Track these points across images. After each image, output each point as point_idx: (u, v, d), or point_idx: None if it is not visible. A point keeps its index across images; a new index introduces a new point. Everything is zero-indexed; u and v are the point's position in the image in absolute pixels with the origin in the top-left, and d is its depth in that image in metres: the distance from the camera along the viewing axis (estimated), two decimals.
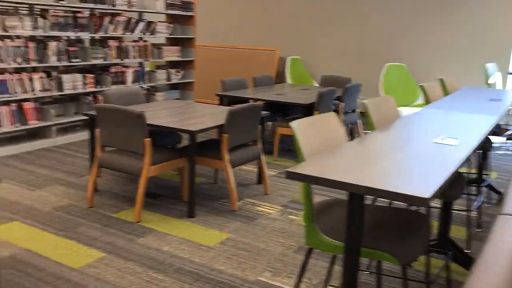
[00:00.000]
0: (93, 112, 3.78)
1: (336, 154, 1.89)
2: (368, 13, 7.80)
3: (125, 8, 6.04)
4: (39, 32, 5.13)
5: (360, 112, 7.14)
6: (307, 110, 5.02)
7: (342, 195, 3.96)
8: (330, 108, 5.28)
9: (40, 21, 5.13)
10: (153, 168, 3.42)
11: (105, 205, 3.70)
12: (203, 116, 3.89)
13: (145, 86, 6.60)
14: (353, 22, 7.94)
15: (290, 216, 3.63)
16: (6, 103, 5.01)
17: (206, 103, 5.50)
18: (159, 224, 3.38)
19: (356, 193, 1.60)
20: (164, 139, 4.26)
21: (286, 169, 1.62)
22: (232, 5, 8.93)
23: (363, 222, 1.76)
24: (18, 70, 5.24)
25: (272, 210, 3.74)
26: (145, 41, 6.48)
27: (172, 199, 3.90)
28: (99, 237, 3.13)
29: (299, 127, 1.98)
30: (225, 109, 4.28)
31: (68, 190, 4.00)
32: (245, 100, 5.31)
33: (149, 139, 3.33)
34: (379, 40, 7.79)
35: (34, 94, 5.17)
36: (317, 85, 7.70)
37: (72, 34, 5.47)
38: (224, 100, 5.42)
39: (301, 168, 1.67)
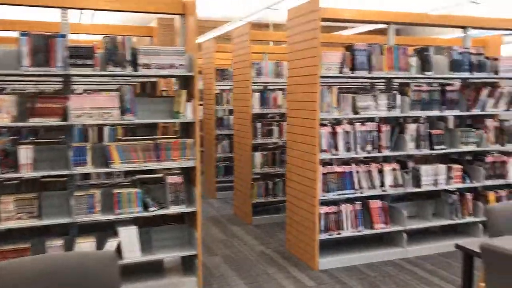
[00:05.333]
0: (472, 247, 2.25)
1: None
2: None
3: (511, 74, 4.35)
4: (395, 113, 4.02)
5: None
6: None
7: None
8: None
9: (398, 98, 4.02)
10: None
11: None
12: None
13: None
14: None
15: None
16: (350, 200, 4.02)
17: None
18: None
19: None
20: None
21: None
22: None
23: None
24: (365, 161, 4.23)
25: None
26: None
27: None
28: None
29: None
30: None
31: None
32: None
33: None
34: None
35: (384, 191, 4.02)
36: None
37: (436, 114, 4.15)
38: None
39: None
